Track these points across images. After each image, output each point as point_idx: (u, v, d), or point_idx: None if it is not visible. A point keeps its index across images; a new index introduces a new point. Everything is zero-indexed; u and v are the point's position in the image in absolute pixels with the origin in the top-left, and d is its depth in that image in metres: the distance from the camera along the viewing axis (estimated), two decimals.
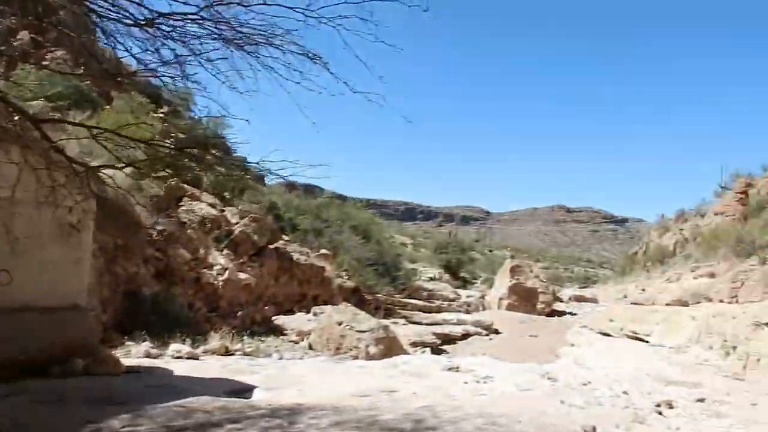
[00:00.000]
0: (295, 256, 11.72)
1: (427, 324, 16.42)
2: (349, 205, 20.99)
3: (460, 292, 27.22)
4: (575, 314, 26.58)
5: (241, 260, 10.46)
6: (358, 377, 5.09)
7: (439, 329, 15.86)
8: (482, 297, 27.38)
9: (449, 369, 6.90)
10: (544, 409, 4.10)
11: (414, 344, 13.43)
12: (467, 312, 22.69)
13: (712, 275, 23.40)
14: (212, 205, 11.18)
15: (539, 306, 25.52)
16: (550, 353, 15.37)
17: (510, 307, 24.78)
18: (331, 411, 3.43)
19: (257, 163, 4.71)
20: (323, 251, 14.28)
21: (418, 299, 19.96)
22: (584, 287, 50.30)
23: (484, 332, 17.70)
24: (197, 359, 5.94)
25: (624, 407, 4.93)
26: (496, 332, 18.55)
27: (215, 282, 9.46)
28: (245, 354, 6.72)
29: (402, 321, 15.93)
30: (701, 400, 6.59)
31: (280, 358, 7.78)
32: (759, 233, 20.72)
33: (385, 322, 14.98)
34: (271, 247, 11.34)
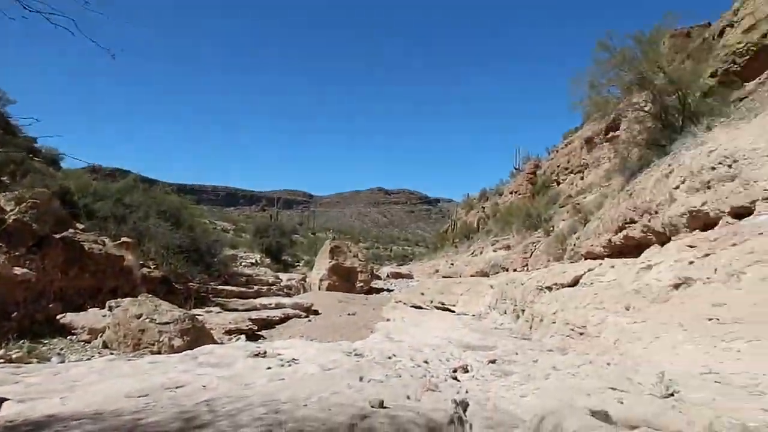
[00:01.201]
0: (88, 245, 10.39)
1: (243, 310, 15.86)
2: (157, 190, 19.36)
3: (282, 275, 26.89)
4: (392, 290, 27.81)
5: (17, 252, 8.99)
6: (145, 375, 4.58)
7: (256, 315, 15.42)
8: (303, 279, 27.35)
9: (255, 355, 6.60)
10: (339, 387, 4.03)
11: (229, 332, 12.87)
12: (288, 295, 22.46)
13: (508, 247, 25.99)
14: None
15: (358, 284, 26.24)
16: (367, 329, 15.74)
17: (330, 288, 25.12)
18: (89, 419, 2.95)
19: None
20: (124, 239, 12.94)
21: (236, 286, 19.23)
22: (402, 264, 52.86)
23: (304, 314, 17.62)
24: None
25: (421, 376, 5.10)
26: (316, 313, 18.59)
27: None
28: (10, 361, 5.70)
29: (217, 309, 15.20)
30: (493, 362, 7.14)
31: (62, 362, 6.83)
32: (543, 209, 23.45)
33: (197, 311, 14.19)
34: (57, 236, 9.92)
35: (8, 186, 12.90)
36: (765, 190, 6.21)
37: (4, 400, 3.56)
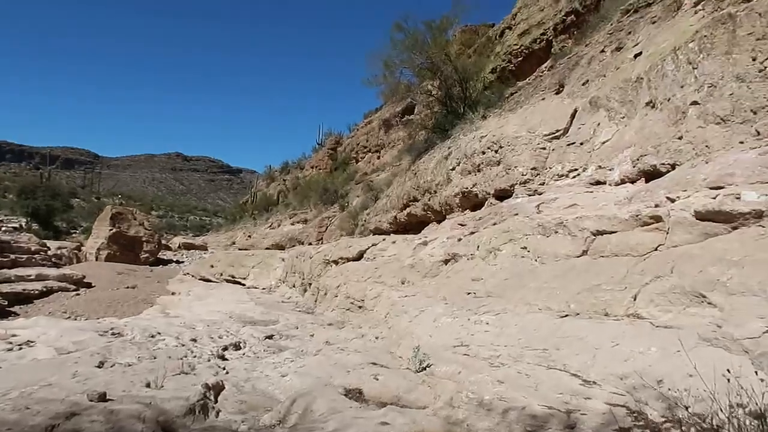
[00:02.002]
0: None
1: None
2: None
3: (51, 243, 23.63)
4: (182, 262, 26.22)
5: None
6: None
7: (8, 287, 13.34)
8: (78, 249, 24.41)
9: None
10: (60, 377, 3.43)
11: None
12: (56, 266, 19.81)
13: (305, 221, 26.13)
14: None
15: (143, 255, 24.20)
16: (147, 304, 14.52)
17: (110, 258, 22.76)
18: None
19: None
20: None
21: None
22: (198, 235, 50.36)
23: (72, 287, 15.69)
24: None
25: (181, 357, 4.67)
26: (89, 286, 16.67)
27: None
28: None
29: None
30: (270, 337, 6.93)
31: None
32: (340, 185, 23.97)
33: None
34: None
35: None
36: (522, 174, 6.86)
37: None
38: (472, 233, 7.05)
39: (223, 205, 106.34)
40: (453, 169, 8.91)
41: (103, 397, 3.04)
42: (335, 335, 6.29)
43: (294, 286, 12.89)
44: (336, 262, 10.77)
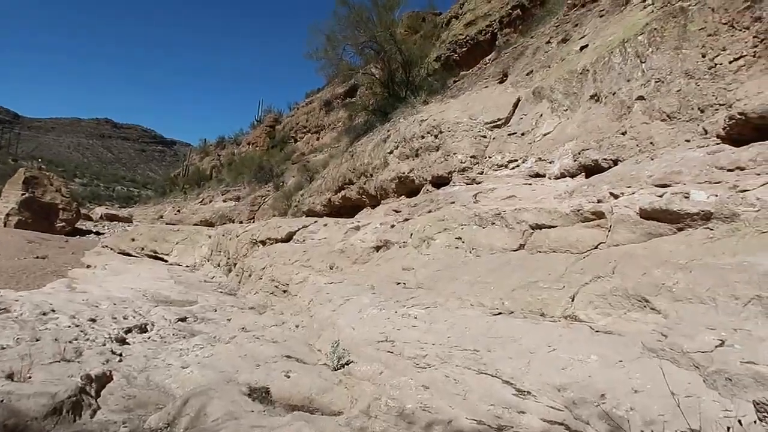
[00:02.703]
0: None
1: None
2: None
3: None
4: (102, 233, 24.75)
5: None
6: None
7: None
8: None
9: None
10: None
11: None
12: None
13: (238, 199, 25.25)
14: None
15: (59, 224, 22.61)
16: (57, 276, 13.44)
17: (21, 225, 21.10)
18: None
19: None
20: None
21: None
22: (124, 207, 48.08)
23: None
24: None
25: (70, 340, 4.09)
26: None
27: None
28: None
29: None
30: (183, 320, 6.38)
31: None
32: (276, 164, 23.22)
33: None
34: None
35: None
36: (461, 162, 6.56)
37: None
38: (406, 220, 6.72)
39: (154, 177, 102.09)
40: (391, 152, 8.54)
41: None
42: (254, 321, 5.81)
43: (219, 266, 12.26)
44: (263, 243, 10.23)
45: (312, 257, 7.94)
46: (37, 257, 15.71)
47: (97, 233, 24.76)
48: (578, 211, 4.23)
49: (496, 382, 2.76)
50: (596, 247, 3.87)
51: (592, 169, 5.45)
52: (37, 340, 3.98)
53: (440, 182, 7.13)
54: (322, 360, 3.78)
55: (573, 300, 3.40)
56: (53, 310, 5.45)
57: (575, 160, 5.73)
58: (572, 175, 5.78)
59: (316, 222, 10.02)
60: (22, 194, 21.70)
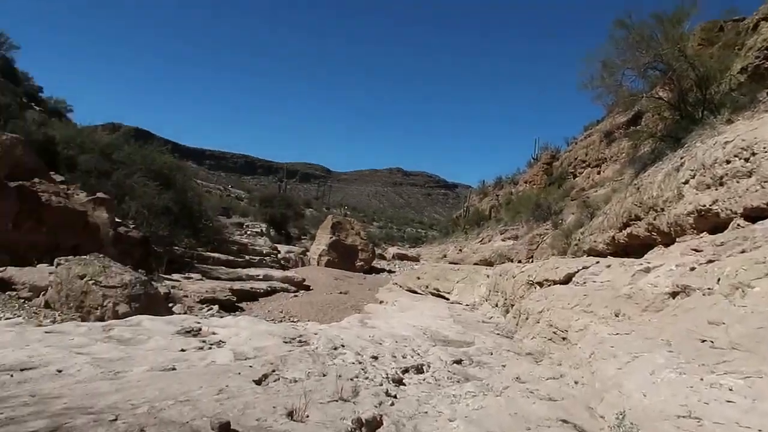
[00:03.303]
0: (46, 196, 9.71)
1: (226, 279, 15.23)
2: (152, 149, 18.67)
3: (281, 247, 26.27)
4: (394, 272, 27.03)
5: None
6: (12, 348, 3.85)
7: (239, 285, 14.78)
8: (303, 253, 26.69)
9: (187, 332, 5.87)
10: (206, 391, 3.24)
11: (203, 301, 12.24)
12: (283, 268, 21.82)
13: (515, 238, 25.12)
14: None
15: (358, 263, 25.51)
16: (355, 310, 15.02)
17: (329, 264, 24.42)
18: None
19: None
20: (99, 194, 12.29)
21: (226, 254, 18.57)
22: (414, 247, 52.20)
23: (293, 289, 16.93)
24: None
25: (351, 378, 4.31)
26: (307, 288, 17.89)
27: None
28: None
29: (197, 276, 14.57)
30: (458, 362, 6.33)
31: None
32: (554, 201, 22.43)
33: (176, 276, 13.57)
34: (12, 184, 9.25)
35: None
36: None
37: None
38: (711, 262, 5.60)
39: (439, 219, 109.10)
40: (686, 182, 7.35)
41: (225, 428, 2.73)
42: (529, 371, 5.42)
43: (497, 306, 12.13)
44: (540, 284, 9.76)
45: (593, 302, 7.21)
46: (341, 292, 17.84)
47: (389, 271, 27.19)
48: None
49: None
50: None
51: None
52: (324, 375, 4.30)
53: (756, 215, 5.81)
54: (605, 431, 3.22)
55: None
56: (343, 345, 5.92)
57: None
58: None
59: (597, 262, 9.18)
60: (330, 237, 25.14)
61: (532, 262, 16.96)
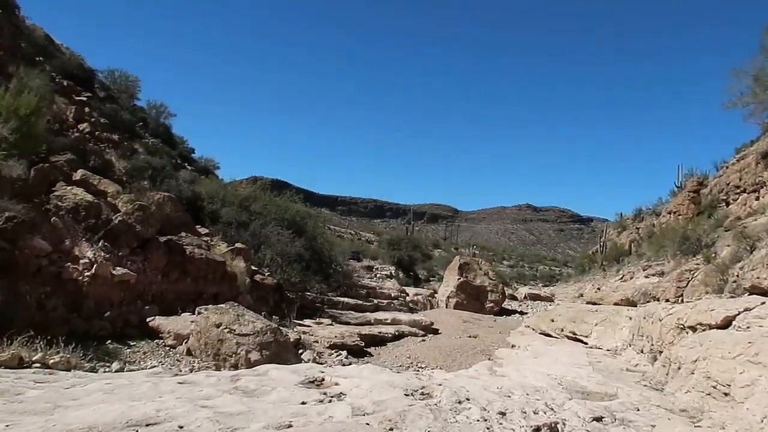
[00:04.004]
0: (190, 249, 10.48)
1: (355, 324, 15.38)
2: (285, 198, 19.77)
3: (409, 290, 26.27)
4: (526, 313, 25.89)
5: (120, 253, 9.23)
6: (143, 401, 4.01)
7: (367, 330, 14.84)
8: (432, 295, 26.48)
9: (310, 382, 5.86)
10: None
11: (333, 346, 12.39)
12: (411, 311, 21.74)
13: (661, 274, 23.03)
14: (96, 192, 9.91)
15: (488, 305, 24.73)
16: (485, 355, 14.49)
17: (458, 306, 23.94)
18: None
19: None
20: (238, 245, 13.09)
21: (355, 298, 18.87)
22: (548, 285, 50.14)
23: (421, 332, 16.70)
24: None
25: None
26: (435, 332, 17.59)
27: (80, 278, 8.24)
28: (46, 366, 5.51)
29: (328, 321, 14.86)
30: (599, 419, 5.68)
31: (120, 369, 6.64)
32: (705, 232, 20.28)
33: (307, 322, 13.93)
34: (162, 239, 10.11)
35: (147, 189, 13.63)
36: None
37: None
38: None
39: (573, 255, 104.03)
40: None
41: None
42: None
43: (642, 352, 11.00)
44: (693, 329, 8.67)
45: (762, 351, 6.19)
46: (470, 336, 17.30)
47: (521, 312, 26.04)
48: None
49: None
50: None
51: None
52: None
53: None
54: None
55: None
56: (468, 398, 5.55)
57: None
58: None
59: (764, 303, 8.00)
60: (458, 279, 24.71)
61: (681, 301, 15.34)
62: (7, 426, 3.12)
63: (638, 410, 6.47)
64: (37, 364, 5.44)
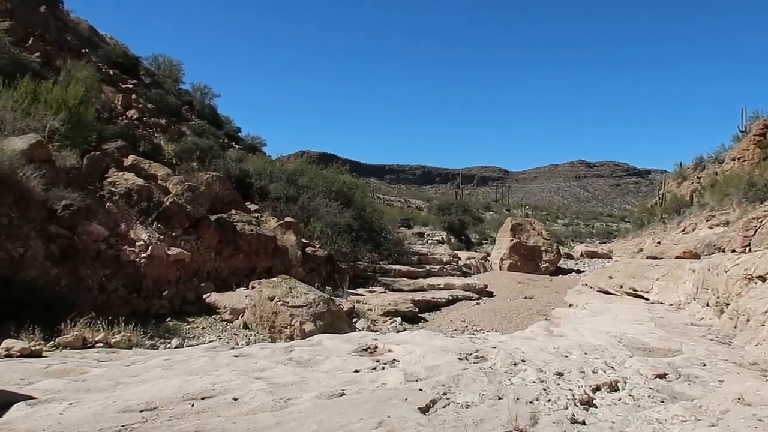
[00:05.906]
0: (240, 226, 10.66)
1: (408, 291, 15.39)
2: (331, 170, 19.82)
3: (462, 254, 26.05)
4: (583, 271, 25.34)
5: (174, 233, 9.47)
6: (199, 375, 4.09)
7: (420, 296, 14.83)
8: (485, 258, 26.20)
9: (363, 350, 5.87)
10: (364, 425, 3.03)
11: (387, 314, 12.45)
12: (465, 275, 21.61)
13: (726, 224, 22.08)
14: (147, 176, 10.17)
15: (543, 265, 24.30)
16: (542, 315, 14.27)
17: (512, 268, 23.64)
18: None
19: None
20: (287, 219, 13.23)
21: (407, 265, 18.86)
22: (605, 242, 48.83)
23: (475, 296, 16.58)
24: (37, 356, 4.97)
25: (531, 401, 3.84)
26: (490, 295, 17.42)
27: (137, 260, 8.51)
28: (108, 345, 5.72)
29: (380, 289, 14.94)
30: (661, 376, 5.46)
31: (180, 345, 6.83)
32: None
33: (360, 291, 14.04)
34: (212, 217, 10.31)
35: (196, 170, 13.90)
36: None
37: (27, 398, 3.30)
38: None
39: (631, 210, 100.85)
40: None
41: None
42: (755, 389, 4.44)
43: (707, 305, 10.55)
44: (762, 279, 8.21)
45: None
46: (525, 297, 17.05)
47: (578, 271, 25.48)
48: None
49: None
50: None
51: None
52: (499, 399, 3.90)
53: None
54: None
55: None
56: (523, 360, 5.43)
57: None
58: None
59: None
60: (511, 240, 24.33)
61: (748, 251, 14.61)
62: (70, 404, 3.24)
63: (704, 365, 6.20)
64: (101, 344, 5.66)
